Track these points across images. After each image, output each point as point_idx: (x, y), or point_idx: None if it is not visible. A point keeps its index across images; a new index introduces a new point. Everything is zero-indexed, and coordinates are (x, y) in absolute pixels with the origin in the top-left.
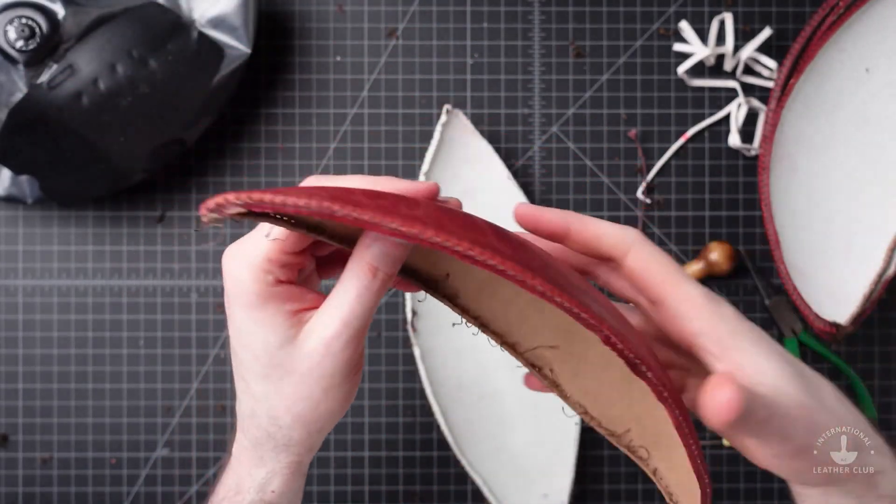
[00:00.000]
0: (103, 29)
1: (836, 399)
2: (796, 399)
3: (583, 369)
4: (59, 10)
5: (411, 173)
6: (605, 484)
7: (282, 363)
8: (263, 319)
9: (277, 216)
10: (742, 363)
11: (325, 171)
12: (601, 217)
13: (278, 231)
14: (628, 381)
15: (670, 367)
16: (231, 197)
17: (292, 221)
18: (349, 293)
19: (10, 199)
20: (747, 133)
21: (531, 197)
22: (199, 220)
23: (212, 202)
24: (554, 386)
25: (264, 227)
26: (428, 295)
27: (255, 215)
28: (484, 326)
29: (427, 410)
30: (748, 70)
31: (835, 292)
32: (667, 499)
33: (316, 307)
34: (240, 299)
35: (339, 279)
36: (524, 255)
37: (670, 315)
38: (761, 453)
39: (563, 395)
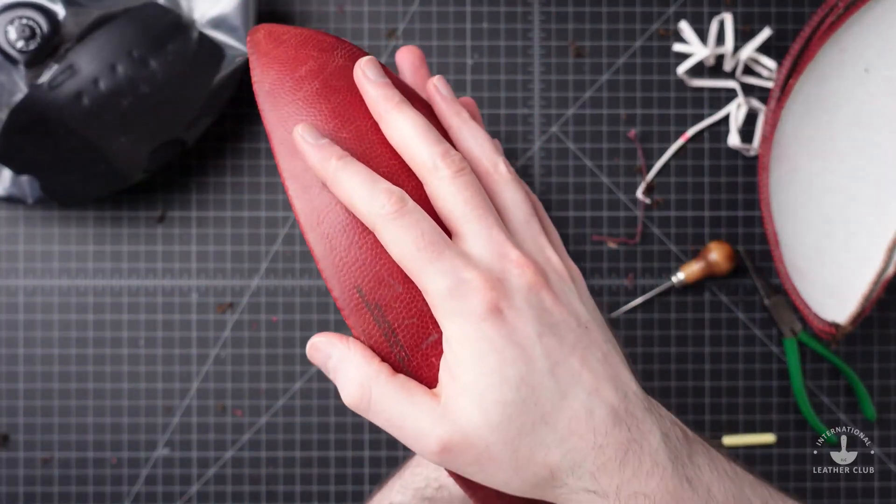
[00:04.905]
0: (104, 29)
1: None
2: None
3: None
4: (60, 11)
5: None
6: None
7: None
8: None
9: None
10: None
11: None
12: (601, 218)
13: None
14: None
15: None
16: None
17: None
18: None
19: (11, 199)
20: (747, 133)
21: None
22: None
23: None
24: None
25: None
26: None
27: None
28: None
29: None
30: (748, 70)
31: (834, 292)
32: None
33: None
34: None
35: None
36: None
37: None
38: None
39: None
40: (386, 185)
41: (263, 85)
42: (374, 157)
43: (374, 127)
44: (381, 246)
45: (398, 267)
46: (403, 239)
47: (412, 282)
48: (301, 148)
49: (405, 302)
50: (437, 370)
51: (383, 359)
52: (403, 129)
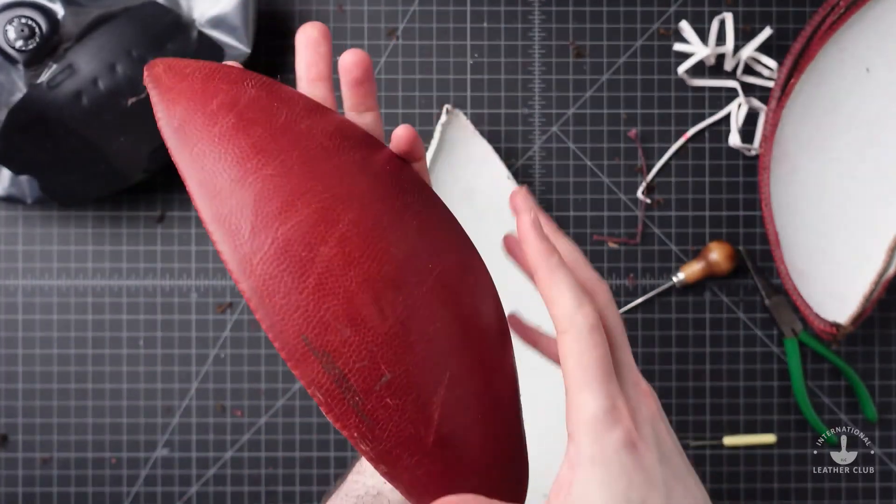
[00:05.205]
0: (103, 29)
1: None
2: None
3: None
4: (59, 10)
5: None
6: None
7: None
8: None
9: None
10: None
11: None
12: (601, 217)
13: None
14: None
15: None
16: None
17: None
18: None
19: (10, 199)
20: (747, 133)
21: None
22: None
23: None
24: None
25: None
26: None
27: None
28: None
29: None
30: (748, 70)
31: (835, 292)
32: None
33: None
34: None
35: None
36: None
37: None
38: None
39: None
40: (589, 297)
41: (172, 122)
42: (304, 192)
43: (301, 159)
44: (324, 289)
45: (343, 309)
46: (592, 353)
47: (360, 324)
48: (529, 233)
49: (354, 345)
50: (392, 411)
51: (337, 406)
52: (569, 255)
